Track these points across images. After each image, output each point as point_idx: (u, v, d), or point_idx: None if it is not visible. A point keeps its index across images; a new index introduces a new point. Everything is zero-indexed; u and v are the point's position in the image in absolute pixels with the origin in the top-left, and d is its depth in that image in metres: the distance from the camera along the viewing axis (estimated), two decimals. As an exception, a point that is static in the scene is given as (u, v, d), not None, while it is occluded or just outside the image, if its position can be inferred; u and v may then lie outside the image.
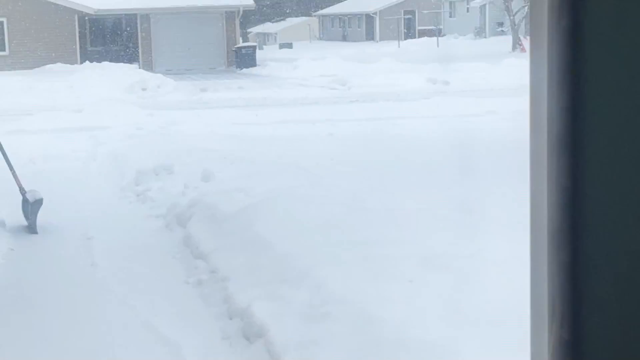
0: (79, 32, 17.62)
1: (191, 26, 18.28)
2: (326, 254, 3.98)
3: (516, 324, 1.84)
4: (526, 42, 18.29)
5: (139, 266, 4.06)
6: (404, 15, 31.33)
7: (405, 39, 28.42)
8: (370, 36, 32.61)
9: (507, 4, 19.41)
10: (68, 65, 16.01)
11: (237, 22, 19.02)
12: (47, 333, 3.13)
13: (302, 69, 16.32)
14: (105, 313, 3.44)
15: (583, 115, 0.55)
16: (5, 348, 2.90)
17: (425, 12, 30.49)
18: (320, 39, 36.04)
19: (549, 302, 0.61)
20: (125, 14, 18.31)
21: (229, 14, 18.55)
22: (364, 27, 33.40)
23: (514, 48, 19.36)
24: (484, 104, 9.27)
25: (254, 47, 19.73)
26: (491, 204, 4.26)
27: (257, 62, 18.29)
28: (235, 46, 18.57)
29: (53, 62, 16.32)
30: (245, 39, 24.95)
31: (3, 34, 16.66)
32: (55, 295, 3.72)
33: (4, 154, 4.67)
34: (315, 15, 37.57)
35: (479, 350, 2.47)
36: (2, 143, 4.69)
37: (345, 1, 36.03)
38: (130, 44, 18.51)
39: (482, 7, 26.38)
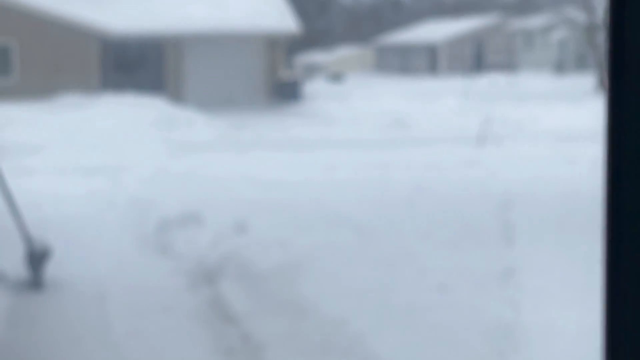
0: (100, 58, 15.87)
1: (227, 54, 16.37)
2: (377, 320, 3.50)
3: None
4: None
5: (160, 331, 3.52)
6: (472, 46, 29.10)
7: (472, 73, 25.81)
8: (432, 70, 30.04)
9: (590, 36, 17.39)
10: (86, 95, 14.53)
11: (281, 50, 17.38)
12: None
13: (354, 105, 15.12)
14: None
15: None
16: None
17: (496, 44, 28.06)
18: (375, 71, 33.33)
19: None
20: (152, 39, 16.15)
21: (272, 41, 16.56)
22: (426, 59, 30.77)
23: (598, 87, 17.05)
24: (563, 151, 8.41)
25: (300, 80, 18.39)
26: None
27: (303, 97, 16.95)
28: (278, 78, 16.85)
29: (69, 91, 14.72)
30: (290, 70, 22.51)
31: (12, 58, 15.23)
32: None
33: (10, 197, 4.19)
34: (370, 45, 35.18)
35: None
36: (7, 184, 4.24)
37: (404, 30, 33.74)
38: (157, 73, 16.45)
39: (562, 41, 23.92)
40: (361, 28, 36.41)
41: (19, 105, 12.81)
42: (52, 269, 4.04)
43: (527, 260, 3.98)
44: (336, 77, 26.10)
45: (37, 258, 4.04)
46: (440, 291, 3.82)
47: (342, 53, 33.62)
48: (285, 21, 16.23)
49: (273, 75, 16.51)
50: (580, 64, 22.77)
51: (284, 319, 3.66)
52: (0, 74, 15.39)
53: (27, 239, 4.15)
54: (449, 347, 3.36)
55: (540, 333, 3.23)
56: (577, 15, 17.72)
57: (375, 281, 3.84)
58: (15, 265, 4.06)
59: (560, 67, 24.32)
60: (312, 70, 30.40)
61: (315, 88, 21.58)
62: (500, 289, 3.82)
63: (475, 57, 29.13)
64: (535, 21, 22.46)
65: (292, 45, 21.78)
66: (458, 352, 3.46)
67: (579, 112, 12.77)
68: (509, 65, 24.61)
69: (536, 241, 4.24)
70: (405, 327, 3.49)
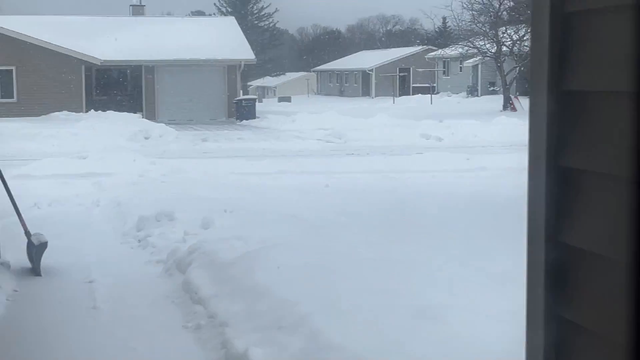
0: (85, 81, 18.61)
1: (194, 78, 19.44)
2: (322, 302, 4.22)
3: None
4: (516, 102, 19.71)
5: (139, 310, 4.19)
6: (399, 72, 33.54)
7: (400, 95, 30.54)
8: (366, 92, 34.46)
9: (499, 64, 20.88)
10: (74, 113, 16.88)
11: (238, 75, 20.15)
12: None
13: (300, 122, 17.07)
14: (106, 357, 3.58)
15: (566, 172, 0.55)
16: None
17: (419, 70, 32.52)
18: (317, 93, 39.05)
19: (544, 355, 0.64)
20: (130, 65, 19.44)
21: (231, 68, 19.73)
22: (360, 83, 35.32)
23: (504, 107, 20.57)
24: (475, 160, 9.85)
25: (254, 100, 20.93)
26: (484, 257, 4.55)
27: (257, 115, 19.28)
28: (236, 99, 19.80)
29: (59, 109, 17.12)
30: (245, 92, 26.25)
31: (12, 82, 17.74)
32: (57, 337, 3.83)
33: (11, 198, 4.86)
34: (313, 71, 40.65)
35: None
36: (9, 187, 4.91)
37: (342, 58, 39.44)
38: (135, 94, 19.65)
39: (475, 67, 28.33)
40: (306, 57, 43.02)
41: (18, 122, 14.49)
42: (47, 259, 4.76)
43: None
44: (286, 98, 30.80)
45: (35, 250, 4.76)
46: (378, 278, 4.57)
47: (290, 78, 39.15)
48: (242, 51, 19.62)
49: (232, 96, 19.53)
50: (490, 88, 26.90)
51: (242, 301, 4.41)
52: (3, 95, 17.88)
53: (27, 234, 4.85)
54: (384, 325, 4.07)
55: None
56: (488, 46, 20.89)
57: (322, 268, 4.57)
58: (17, 255, 4.76)
59: (473, 90, 28.26)
60: (264, 92, 37.05)
61: (267, 107, 24.53)
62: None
63: (402, 81, 33.88)
64: (452, 51, 25.25)
65: (248, 71, 25.77)
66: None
67: (489, 127, 15.18)
68: (430, 88, 28.23)
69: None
70: (342, 308, 4.21)
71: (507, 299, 2.87)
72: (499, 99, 21.68)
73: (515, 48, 19.85)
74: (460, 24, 21.24)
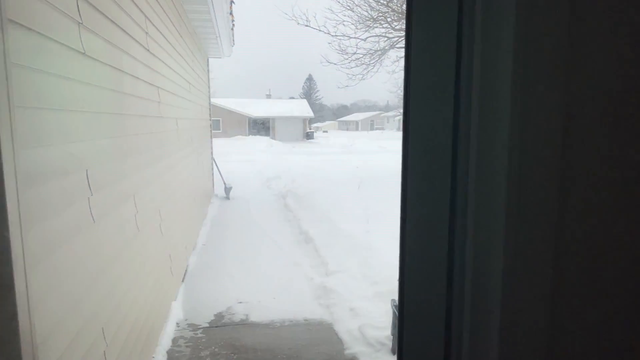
0: (247, 124, 38.84)
1: (290, 122, 42.58)
2: (338, 210, 10.15)
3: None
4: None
5: (267, 212, 10.54)
6: (372, 122, 69.52)
7: (371, 131, 62.62)
8: (357, 130, 69.27)
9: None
10: (242, 136, 34.71)
11: (307, 122, 44.20)
12: (235, 231, 9.68)
13: (331, 140, 38.86)
14: (254, 225, 9.93)
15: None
16: (228, 231, 9.56)
17: (379, 122, 70.45)
18: (339, 129, 75.75)
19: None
20: (265, 117, 42.49)
21: (305, 118, 43.24)
22: (355, 125, 72.27)
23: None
24: (395, 156, 18.48)
25: (313, 132, 44.95)
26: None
27: (315, 137, 43.47)
28: (306, 131, 42.70)
29: (237, 135, 35.93)
30: (309, 128, 49.05)
31: (220, 124, 36.92)
32: (237, 219, 10.34)
33: (219, 169, 11.64)
34: (337, 120, 79.77)
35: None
36: (218, 164, 11.72)
37: (344, 116, 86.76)
38: (266, 129, 40.30)
39: (398, 119, 58.54)
40: (332, 114, 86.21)
41: (222, 140, 28.74)
42: (232, 193, 11.45)
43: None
44: (325, 131, 62.15)
45: (227, 189, 11.45)
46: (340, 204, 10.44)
47: (326, 123, 77.93)
48: (308, 112, 44.14)
49: (304, 129, 39.21)
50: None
51: (307, 210, 10.55)
52: (215, 129, 35.43)
53: (225, 183, 11.57)
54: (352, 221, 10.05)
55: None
56: None
57: (337, 200, 10.51)
58: (221, 192, 11.54)
59: (398, 128, 56.07)
60: (316, 129, 63.66)
61: (318, 134, 48.46)
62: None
63: (371, 125, 67.95)
64: (390, 113, 56.50)
65: (310, 120, 47.18)
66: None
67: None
68: (383, 128, 63.17)
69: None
70: (342, 215, 10.18)
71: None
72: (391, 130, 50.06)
73: None
74: None
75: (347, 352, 3.86)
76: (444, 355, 0.77)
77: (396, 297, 3.93)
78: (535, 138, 0.70)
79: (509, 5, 0.69)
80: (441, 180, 0.76)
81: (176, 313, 4.48)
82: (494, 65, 0.71)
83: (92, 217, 2.35)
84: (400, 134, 52.52)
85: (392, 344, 3.82)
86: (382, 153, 22.58)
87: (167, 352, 3.83)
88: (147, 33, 3.80)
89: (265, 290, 5.17)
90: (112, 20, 2.80)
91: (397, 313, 3.58)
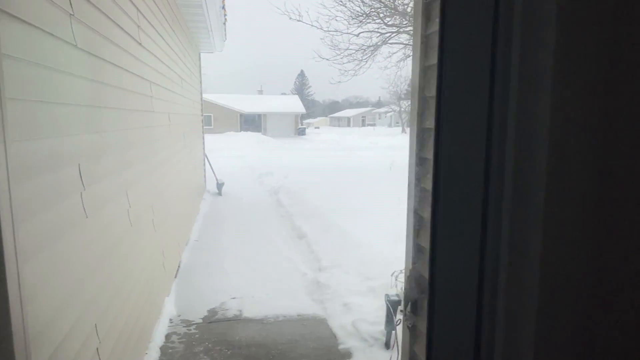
0: (239, 119, 39.04)
1: (282, 118, 42.40)
2: (330, 205, 10.17)
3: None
4: (408, 130, 31.65)
5: (259, 208, 10.53)
6: (364, 118, 70.43)
7: (364, 127, 62.86)
8: (348, 126, 68.84)
9: (400, 112, 45.23)
10: (234, 132, 34.44)
11: (299, 117, 44.51)
12: (228, 226, 9.65)
13: (322, 136, 39.56)
14: (246, 220, 9.91)
15: (423, 160, 1.21)
16: (221, 227, 9.53)
17: (370, 118, 71.21)
18: (330, 125, 74.58)
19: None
20: (256, 113, 41.90)
21: (296, 114, 43.25)
22: (346, 121, 71.81)
23: (402, 131, 43.27)
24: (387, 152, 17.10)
25: (305, 128, 44.93)
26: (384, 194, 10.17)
27: (306, 133, 43.01)
28: (298, 127, 42.92)
29: (229, 130, 36.07)
30: (301, 124, 49.30)
31: (211, 120, 36.92)
32: (229, 215, 10.30)
33: (210, 164, 11.58)
34: (329, 117, 79.42)
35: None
36: (210, 160, 11.65)
37: (338, 112, 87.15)
38: (257, 125, 42.35)
39: (393, 115, 61.14)
40: (324, 110, 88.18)
41: (214, 135, 28.77)
42: (224, 189, 11.40)
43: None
44: (317, 127, 63.02)
45: (220, 185, 11.40)
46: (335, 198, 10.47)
47: (318, 119, 77.88)
48: (300, 108, 44.11)
49: (296, 126, 43.59)
50: (396, 124, 57.48)
51: (299, 206, 10.55)
52: (207, 124, 35.22)
53: (217, 179, 11.52)
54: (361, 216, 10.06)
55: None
56: (396, 106, 45.26)
57: (331, 193, 10.52)
58: (213, 188, 11.49)
59: (390, 125, 62.41)
60: (308, 125, 65.36)
61: (310, 130, 47.81)
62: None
63: (363, 121, 68.89)
64: (382, 109, 61.34)
65: (302, 116, 49.49)
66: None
67: (396, 138, 28.69)
68: (374, 124, 64.40)
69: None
70: (337, 212, 10.18)
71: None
72: (399, 128, 48.36)
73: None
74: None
75: (340, 347, 3.86)
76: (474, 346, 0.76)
77: (389, 292, 3.93)
78: (574, 142, 0.69)
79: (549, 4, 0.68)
80: (474, 183, 0.75)
81: (169, 309, 4.45)
82: (534, 63, 0.70)
83: (85, 212, 2.32)
84: (392, 130, 49.05)
85: (386, 338, 3.83)
86: (375, 149, 22.91)
87: (160, 348, 3.81)
88: (139, 26, 3.76)
89: (259, 285, 5.16)
90: (104, 13, 2.76)
91: (390, 308, 3.58)
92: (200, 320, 4.31)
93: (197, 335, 4.02)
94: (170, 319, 4.31)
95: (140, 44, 3.78)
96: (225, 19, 8.97)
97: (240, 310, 4.52)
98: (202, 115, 10.54)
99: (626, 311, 0.72)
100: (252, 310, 4.52)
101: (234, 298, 4.82)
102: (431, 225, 0.78)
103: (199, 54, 10.37)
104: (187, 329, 4.13)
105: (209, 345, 3.88)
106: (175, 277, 5.39)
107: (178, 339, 3.97)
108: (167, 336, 4.01)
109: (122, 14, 3.21)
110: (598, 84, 0.69)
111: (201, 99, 10.40)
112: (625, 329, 0.72)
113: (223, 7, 8.26)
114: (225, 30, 9.31)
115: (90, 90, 2.52)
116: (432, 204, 0.78)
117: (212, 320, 4.32)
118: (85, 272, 2.30)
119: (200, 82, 10.37)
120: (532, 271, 0.70)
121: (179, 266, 5.73)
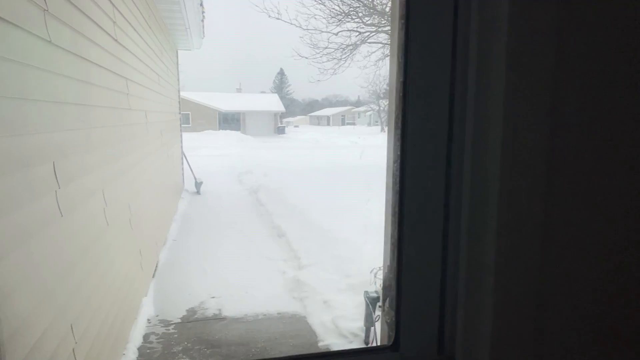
0: (218, 118, 38.49)
1: (262, 117, 42.20)
2: (308, 204, 10.19)
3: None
4: (386, 129, 33.55)
5: (238, 207, 10.48)
6: (343, 117, 67.11)
7: (342, 126, 60.98)
8: (328, 125, 65.74)
9: (379, 111, 45.18)
10: (213, 130, 34.38)
11: (278, 116, 44.49)
12: (207, 226, 9.56)
13: (302, 134, 39.76)
14: (226, 220, 9.84)
15: (404, 161, 0.87)
16: (199, 226, 9.45)
17: (350, 116, 67.76)
18: (310, 124, 72.07)
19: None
20: (236, 112, 41.45)
21: (276, 113, 43.26)
22: (326, 120, 67.42)
23: (381, 130, 43.40)
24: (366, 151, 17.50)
25: (284, 126, 45.11)
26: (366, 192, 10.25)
27: (286, 132, 43.10)
28: (278, 126, 42.97)
29: (208, 129, 35.80)
30: (281, 123, 49.34)
31: (189, 118, 36.76)
32: (208, 214, 10.21)
33: (189, 163, 11.46)
34: (309, 115, 76.65)
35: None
36: (188, 158, 11.52)
37: (318, 111, 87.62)
38: (237, 123, 41.92)
39: (372, 114, 57.43)
40: (303, 109, 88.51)
41: (192, 134, 28.63)
42: (203, 188, 11.29)
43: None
44: (297, 126, 61.68)
45: (198, 184, 11.29)
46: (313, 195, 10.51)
47: (298, 117, 76.37)
48: (279, 106, 44.01)
49: (276, 124, 43.19)
50: (375, 123, 54.80)
51: (278, 205, 10.53)
52: (185, 123, 35.39)
53: (195, 177, 11.40)
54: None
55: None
56: (375, 105, 45.09)
57: (309, 192, 10.53)
58: (191, 187, 11.36)
59: (369, 124, 58.52)
60: (288, 123, 63.80)
61: (289, 129, 50.01)
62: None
63: (342, 120, 65.69)
64: (361, 108, 57.37)
65: (282, 115, 49.57)
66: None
67: (375, 137, 28.54)
68: (354, 123, 62.08)
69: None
70: (317, 207, 10.22)
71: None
72: (378, 127, 48.30)
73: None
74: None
75: (320, 344, 3.88)
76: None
77: (369, 288, 3.96)
78: (525, 139, 0.72)
79: (502, 6, 0.71)
80: (435, 182, 0.79)
81: (147, 309, 4.40)
82: (489, 68, 0.73)
83: (60, 210, 2.28)
84: (371, 129, 49.03)
85: (365, 335, 3.86)
86: (354, 148, 22.28)
87: (138, 349, 3.76)
88: (114, 22, 3.70)
89: (238, 284, 5.14)
90: (78, 8, 2.71)
91: (370, 304, 3.61)
92: (179, 320, 4.27)
93: (175, 335, 3.99)
94: (148, 319, 4.26)
95: (116, 40, 3.72)
96: (204, 16, 8.89)
97: (220, 309, 4.50)
98: (180, 113, 10.43)
99: (574, 277, 0.77)
100: (232, 309, 4.51)
101: (213, 297, 4.79)
102: (398, 220, 0.80)
103: (177, 51, 10.25)
104: (166, 329, 4.09)
105: (188, 344, 3.85)
106: (153, 276, 5.33)
107: (156, 339, 3.93)
108: (145, 336, 3.96)
109: (97, 10, 3.16)
110: (545, 89, 0.72)
111: (179, 96, 10.28)
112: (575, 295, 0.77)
113: (201, 4, 8.18)
114: (203, 28, 9.23)
115: (63, 87, 2.47)
116: (399, 199, 0.80)
117: (191, 319, 4.29)
118: (61, 272, 2.26)
119: (178, 80, 10.26)
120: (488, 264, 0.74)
121: (156, 266, 5.67)
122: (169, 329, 4.09)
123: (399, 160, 0.82)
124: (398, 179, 0.81)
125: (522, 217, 0.73)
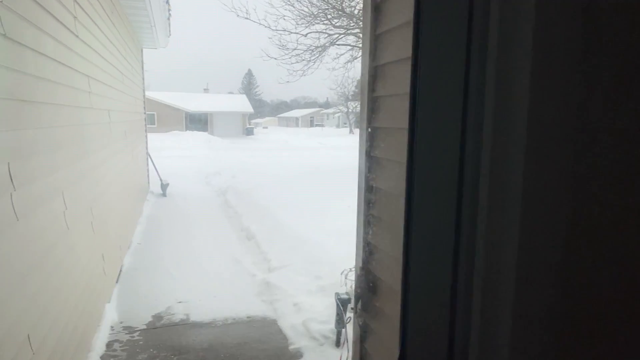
0: (185, 118, 37.81)
1: (229, 118, 41.75)
2: (280, 206, 10.10)
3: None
4: (356, 131, 31.53)
5: (206, 209, 10.29)
6: (312, 119, 68.94)
7: (311, 128, 62.19)
8: (297, 126, 68.05)
9: (347, 113, 46.07)
10: (179, 131, 33.54)
11: (247, 117, 44.40)
12: (173, 228, 9.36)
13: (271, 135, 40.95)
14: (192, 223, 9.65)
15: (373, 159, 1.38)
16: (166, 229, 9.23)
17: (318, 118, 69.07)
18: (279, 125, 73.43)
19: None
20: (203, 112, 40.86)
21: (244, 114, 43.00)
22: (295, 122, 70.05)
23: (350, 132, 45.18)
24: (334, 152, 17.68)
25: (253, 127, 45.76)
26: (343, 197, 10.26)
27: (254, 133, 43.49)
28: (246, 127, 42.81)
29: (174, 129, 34.95)
30: (249, 124, 50.27)
31: (155, 118, 35.69)
32: (174, 217, 9.99)
33: (154, 164, 11.18)
34: (278, 117, 79.08)
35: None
36: (153, 159, 11.23)
37: (288, 112, 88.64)
38: (204, 124, 41.44)
39: (340, 116, 58.78)
40: (272, 110, 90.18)
41: (158, 135, 27.67)
42: (169, 190, 11.03)
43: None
44: (265, 127, 63.42)
45: (164, 186, 11.02)
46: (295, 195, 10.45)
47: (266, 119, 78.71)
48: (248, 107, 43.58)
49: (244, 125, 43.16)
50: (344, 125, 56.39)
51: (248, 207, 10.41)
52: (151, 123, 34.44)
53: (161, 179, 11.12)
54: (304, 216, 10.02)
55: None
56: (344, 107, 46.02)
57: (279, 195, 10.45)
58: (157, 189, 11.08)
59: (338, 126, 61.10)
60: (256, 125, 65.26)
61: (258, 130, 48.34)
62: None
63: (311, 122, 67.40)
64: (330, 110, 59.41)
65: (250, 115, 51.03)
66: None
67: (344, 138, 30.37)
68: (323, 125, 64.83)
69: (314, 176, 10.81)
70: (289, 209, 10.13)
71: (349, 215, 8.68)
72: (347, 129, 49.73)
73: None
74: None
75: (291, 347, 3.83)
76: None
77: (339, 290, 3.93)
78: (551, 135, 0.69)
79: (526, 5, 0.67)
80: (449, 182, 0.75)
81: (110, 316, 4.24)
82: (510, 65, 0.69)
83: (16, 214, 2.15)
84: (340, 131, 50.21)
85: (336, 337, 3.83)
86: (323, 149, 22.47)
87: (101, 357, 3.61)
88: (75, 17, 3.55)
89: (206, 288, 5.02)
90: (36, 2, 2.58)
91: (341, 306, 3.59)
92: (145, 326, 4.13)
93: (141, 342, 3.86)
94: (112, 326, 4.11)
95: (77, 36, 3.57)
96: (170, 14, 8.69)
97: (187, 315, 4.38)
98: (145, 113, 10.16)
99: (601, 309, 0.73)
100: (200, 313, 4.40)
101: (180, 302, 4.66)
102: (405, 228, 0.77)
103: (142, 50, 9.99)
104: (130, 336, 3.95)
105: (154, 351, 3.72)
106: (117, 282, 5.15)
107: (120, 346, 3.79)
108: (109, 344, 3.82)
109: (57, 4, 3.02)
110: (573, 84, 0.70)
111: (144, 96, 10.02)
112: (602, 331, 0.73)
113: (167, 2, 8.00)
114: (169, 26, 9.02)
115: (18, 83, 2.34)
116: (406, 205, 0.77)
117: (157, 325, 4.16)
118: (16, 279, 2.13)
119: (143, 79, 10.00)
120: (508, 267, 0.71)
121: (120, 271, 5.48)
122: (133, 336, 3.95)
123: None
124: (406, 179, 0.78)
125: (547, 218, 0.70)
